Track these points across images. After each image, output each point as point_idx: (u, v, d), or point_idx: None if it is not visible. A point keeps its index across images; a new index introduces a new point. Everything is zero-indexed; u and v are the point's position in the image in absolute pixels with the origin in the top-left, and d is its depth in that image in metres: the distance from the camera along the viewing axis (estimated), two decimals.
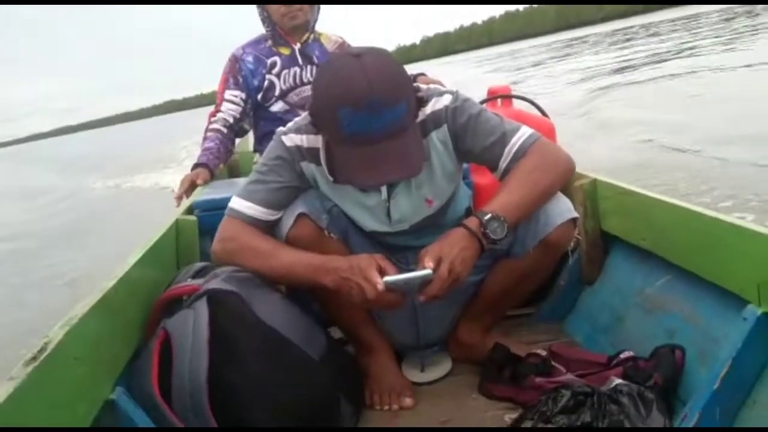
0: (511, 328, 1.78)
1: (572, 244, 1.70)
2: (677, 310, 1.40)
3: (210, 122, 2.50)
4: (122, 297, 1.26)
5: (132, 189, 11.06)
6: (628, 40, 25.45)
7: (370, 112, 1.16)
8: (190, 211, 1.90)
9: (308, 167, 1.43)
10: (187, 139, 17.20)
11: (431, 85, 1.46)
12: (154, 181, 11.08)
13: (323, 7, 2.53)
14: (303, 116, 1.44)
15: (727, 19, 23.51)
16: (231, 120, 2.47)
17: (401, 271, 1.28)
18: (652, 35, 24.90)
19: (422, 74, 2.55)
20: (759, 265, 1.12)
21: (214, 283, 1.31)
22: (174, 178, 9.44)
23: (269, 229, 1.43)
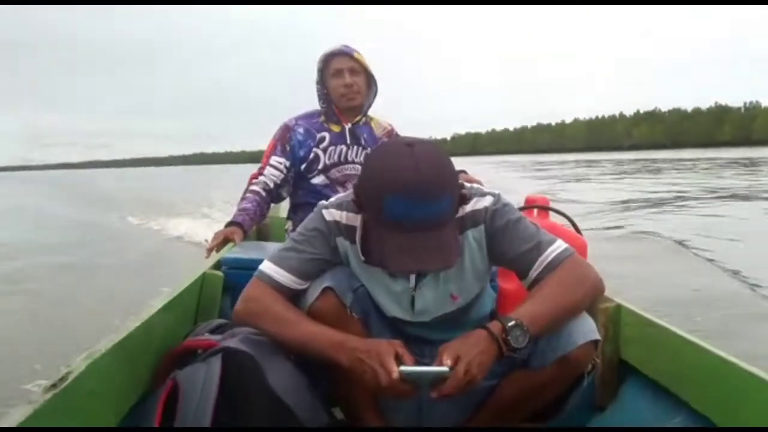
0: None
1: (589, 366, 1.68)
2: None
3: (251, 183, 2.59)
4: (142, 340, 1.28)
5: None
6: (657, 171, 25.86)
7: (415, 201, 1.20)
8: (218, 266, 1.93)
9: (343, 244, 1.46)
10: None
11: (474, 185, 1.51)
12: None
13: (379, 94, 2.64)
14: (347, 193, 1.49)
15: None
16: (271, 185, 2.55)
17: (416, 362, 1.28)
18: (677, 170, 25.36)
19: (464, 171, 2.62)
20: None
21: (231, 342, 1.33)
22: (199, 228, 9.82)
23: (294, 297, 1.45)
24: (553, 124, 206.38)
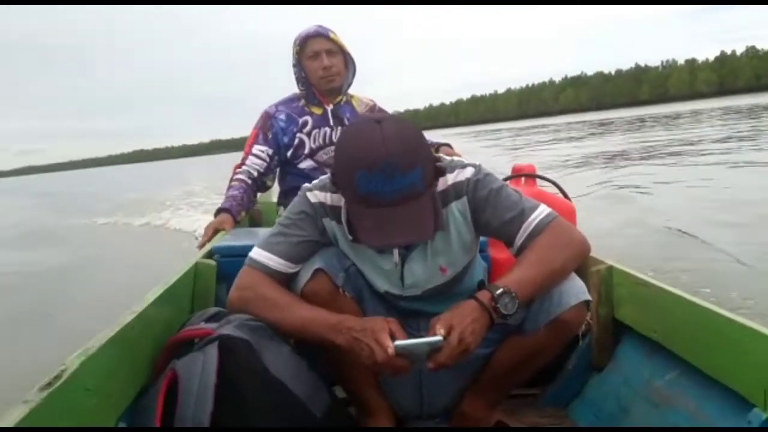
0: (516, 407, 1.76)
1: (583, 328, 1.69)
2: (683, 407, 1.39)
3: (235, 173, 2.59)
4: (137, 333, 1.28)
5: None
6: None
7: (383, 176, 1.21)
8: (210, 255, 1.93)
9: (330, 224, 1.47)
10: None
11: (454, 158, 1.51)
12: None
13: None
14: (328, 175, 1.49)
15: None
16: (255, 173, 2.55)
17: (411, 336, 1.29)
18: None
19: (447, 145, 2.61)
20: (767, 368, 1.12)
21: (227, 329, 1.33)
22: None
23: (286, 281, 1.45)
24: (487, 95, 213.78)
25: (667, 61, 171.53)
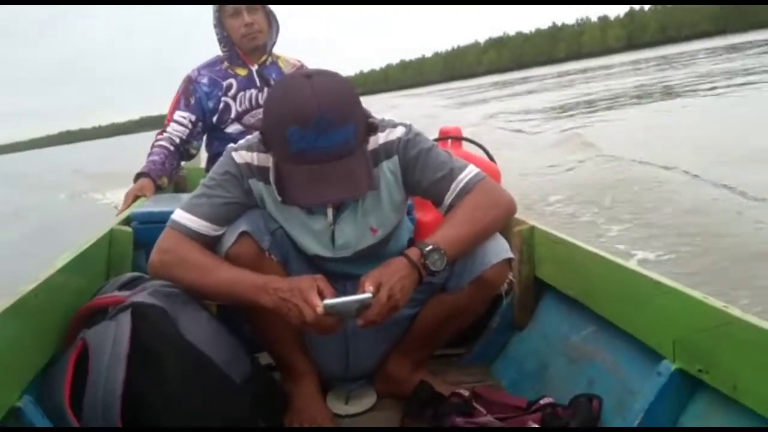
0: (439, 367, 1.78)
1: (506, 287, 1.72)
2: (600, 361, 1.44)
3: (156, 139, 2.48)
4: (42, 302, 1.21)
5: None
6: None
7: (317, 132, 1.18)
8: (127, 222, 1.85)
9: (256, 185, 1.43)
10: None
11: (385, 117, 1.49)
12: None
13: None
14: (255, 134, 1.44)
15: None
16: (177, 140, 2.45)
17: (338, 296, 1.27)
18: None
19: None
20: (675, 321, 1.16)
21: (140, 297, 1.29)
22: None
23: (211, 244, 1.40)
24: (414, 59, 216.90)
25: (582, 19, 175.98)
